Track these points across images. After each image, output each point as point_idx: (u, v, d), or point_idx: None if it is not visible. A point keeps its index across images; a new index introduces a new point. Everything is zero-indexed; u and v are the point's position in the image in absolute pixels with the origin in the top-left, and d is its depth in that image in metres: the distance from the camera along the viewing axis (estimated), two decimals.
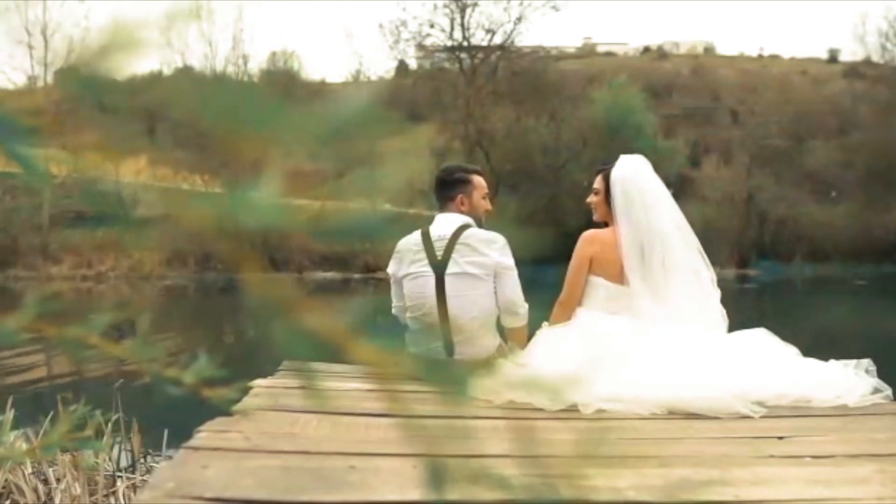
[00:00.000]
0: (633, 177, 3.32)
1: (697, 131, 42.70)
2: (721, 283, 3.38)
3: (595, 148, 35.39)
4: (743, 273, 34.91)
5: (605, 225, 3.39)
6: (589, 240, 3.34)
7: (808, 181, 39.59)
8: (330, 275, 32.32)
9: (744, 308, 20.90)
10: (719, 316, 3.24)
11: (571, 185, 32.99)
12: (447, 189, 3.47)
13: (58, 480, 3.00)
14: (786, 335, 3.06)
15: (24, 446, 2.89)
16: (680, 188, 39.91)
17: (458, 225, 3.32)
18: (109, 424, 3.65)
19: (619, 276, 3.24)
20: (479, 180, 3.50)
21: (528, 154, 35.09)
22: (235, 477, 1.50)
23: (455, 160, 38.67)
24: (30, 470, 3.08)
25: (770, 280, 31.57)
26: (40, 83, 38.90)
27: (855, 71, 46.01)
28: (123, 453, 3.51)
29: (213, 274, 33.55)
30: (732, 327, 3.23)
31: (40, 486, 3.03)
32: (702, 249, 3.36)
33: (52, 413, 3.10)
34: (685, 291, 3.19)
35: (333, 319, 0.46)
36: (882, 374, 2.81)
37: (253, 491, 1.42)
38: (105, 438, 3.58)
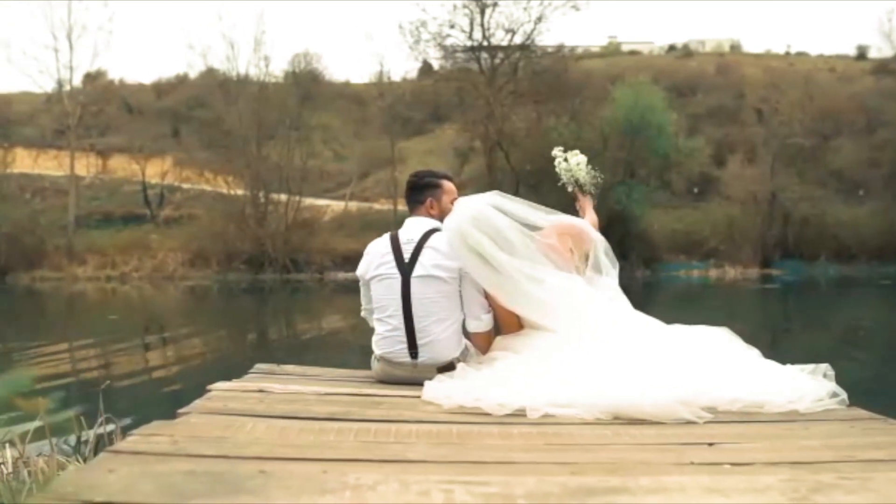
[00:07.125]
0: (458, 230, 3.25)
1: (722, 130, 42.25)
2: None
3: (616, 148, 35.14)
4: (767, 272, 34.52)
5: None
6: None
7: (833, 180, 39.02)
8: (351, 275, 32.36)
9: (767, 307, 20.68)
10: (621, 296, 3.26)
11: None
12: (417, 193, 3.50)
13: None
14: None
15: None
16: (704, 187, 39.62)
17: (427, 229, 3.35)
18: (95, 426, 3.73)
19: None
20: (448, 185, 3.53)
21: (549, 154, 34.87)
22: (136, 482, 1.53)
23: (476, 160, 38.67)
24: (10, 470, 3.15)
25: (794, 280, 31.10)
26: (66, 87, 39.60)
27: (883, 68, 45.24)
28: None
29: (236, 274, 33.88)
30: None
31: (15, 487, 3.09)
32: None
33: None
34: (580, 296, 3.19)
35: None
36: None
37: (146, 496, 1.44)
38: (90, 438, 3.67)
